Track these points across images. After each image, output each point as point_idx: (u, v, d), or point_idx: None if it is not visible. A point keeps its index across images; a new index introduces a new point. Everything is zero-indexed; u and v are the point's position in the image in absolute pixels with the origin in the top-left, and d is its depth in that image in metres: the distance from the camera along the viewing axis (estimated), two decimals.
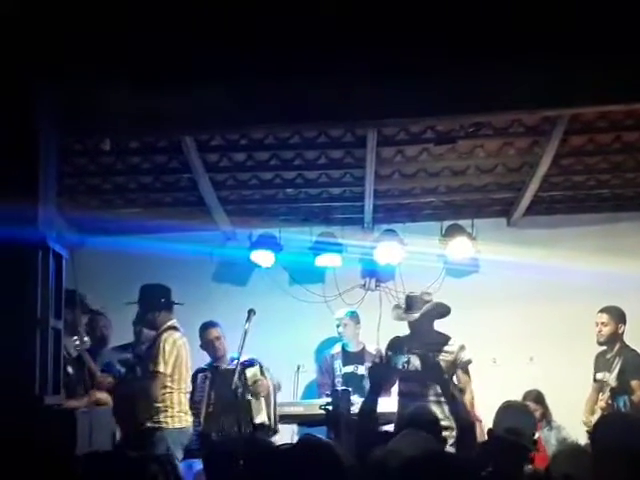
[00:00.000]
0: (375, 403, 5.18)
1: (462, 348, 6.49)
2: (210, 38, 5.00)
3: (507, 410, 4.88)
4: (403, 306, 6.63)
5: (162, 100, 5.21)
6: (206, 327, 7.34)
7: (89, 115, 5.28)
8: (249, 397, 6.94)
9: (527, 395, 7.62)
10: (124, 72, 5.05)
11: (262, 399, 7.01)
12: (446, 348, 6.45)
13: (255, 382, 7.00)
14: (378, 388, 5.33)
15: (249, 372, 7.03)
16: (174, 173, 7.92)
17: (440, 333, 6.57)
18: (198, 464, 6.61)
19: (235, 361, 6.95)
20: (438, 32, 4.96)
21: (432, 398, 6.13)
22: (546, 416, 7.61)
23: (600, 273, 7.91)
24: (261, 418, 6.98)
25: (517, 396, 7.57)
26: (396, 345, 6.50)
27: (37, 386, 4.66)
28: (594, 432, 3.24)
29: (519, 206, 8.47)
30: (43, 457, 4.36)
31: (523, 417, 4.75)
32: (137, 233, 8.42)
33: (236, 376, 6.81)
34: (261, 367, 7.12)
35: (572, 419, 7.41)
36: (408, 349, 6.38)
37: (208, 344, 7.30)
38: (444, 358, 6.39)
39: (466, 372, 6.50)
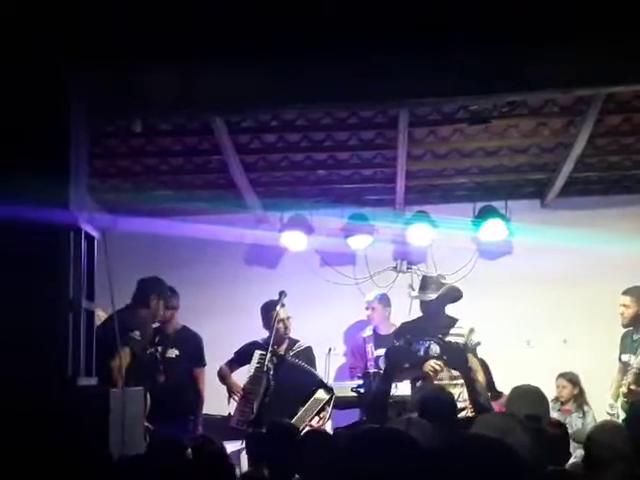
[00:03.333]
0: (390, 387, 5.12)
1: (472, 331, 6.36)
2: (242, 18, 4.96)
3: (519, 395, 4.81)
4: (417, 286, 6.55)
5: (198, 81, 5.19)
6: (275, 307, 7.03)
7: (123, 97, 5.26)
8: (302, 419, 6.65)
9: (562, 375, 7.55)
10: (158, 53, 5.02)
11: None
12: (456, 331, 6.34)
13: (319, 413, 6.75)
14: (393, 371, 5.25)
15: (318, 395, 6.78)
16: (205, 155, 7.90)
17: (450, 317, 6.44)
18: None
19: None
20: (471, 11, 4.89)
21: (446, 381, 6.08)
22: (578, 399, 7.49)
23: (635, 254, 7.81)
24: None
25: (551, 378, 7.53)
26: (408, 330, 6.36)
27: (70, 367, 4.67)
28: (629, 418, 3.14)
29: (553, 187, 8.37)
30: (76, 438, 4.37)
31: (536, 400, 4.67)
32: (168, 215, 8.42)
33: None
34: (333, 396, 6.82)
35: (606, 404, 7.32)
36: (424, 334, 6.30)
37: (276, 324, 6.96)
38: (455, 341, 6.31)
39: (476, 355, 6.36)
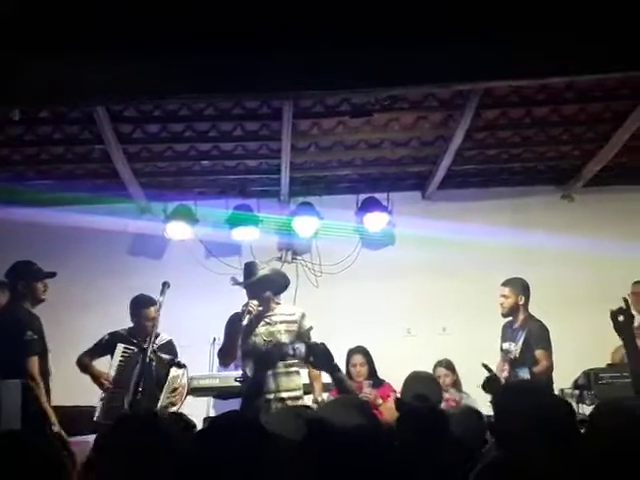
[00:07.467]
0: (261, 392, 5.15)
1: (304, 316, 6.46)
2: (127, 6, 4.92)
3: (414, 379, 5.01)
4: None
5: (79, 69, 5.11)
6: (147, 305, 6.93)
7: (1, 84, 5.15)
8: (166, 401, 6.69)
9: (438, 363, 7.74)
10: (39, 40, 4.93)
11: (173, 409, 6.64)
12: (289, 318, 6.44)
13: (174, 390, 6.76)
14: (265, 374, 5.30)
15: (173, 372, 6.77)
16: (86, 144, 7.76)
17: (279, 303, 6.54)
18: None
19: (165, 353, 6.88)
20: (351, 7, 4.97)
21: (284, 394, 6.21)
22: (456, 385, 7.73)
23: (511, 245, 8.08)
24: None
25: (430, 365, 7.71)
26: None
27: None
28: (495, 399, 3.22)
29: (433, 180, 8.57)
30: None
31: (429, 385, 4.87)
32: (50, 205, 8.25)
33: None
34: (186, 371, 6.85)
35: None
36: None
37: (145, 321, 6.89)
38: (288, 328, 6.39)
39: (310, 339, 6.22)
